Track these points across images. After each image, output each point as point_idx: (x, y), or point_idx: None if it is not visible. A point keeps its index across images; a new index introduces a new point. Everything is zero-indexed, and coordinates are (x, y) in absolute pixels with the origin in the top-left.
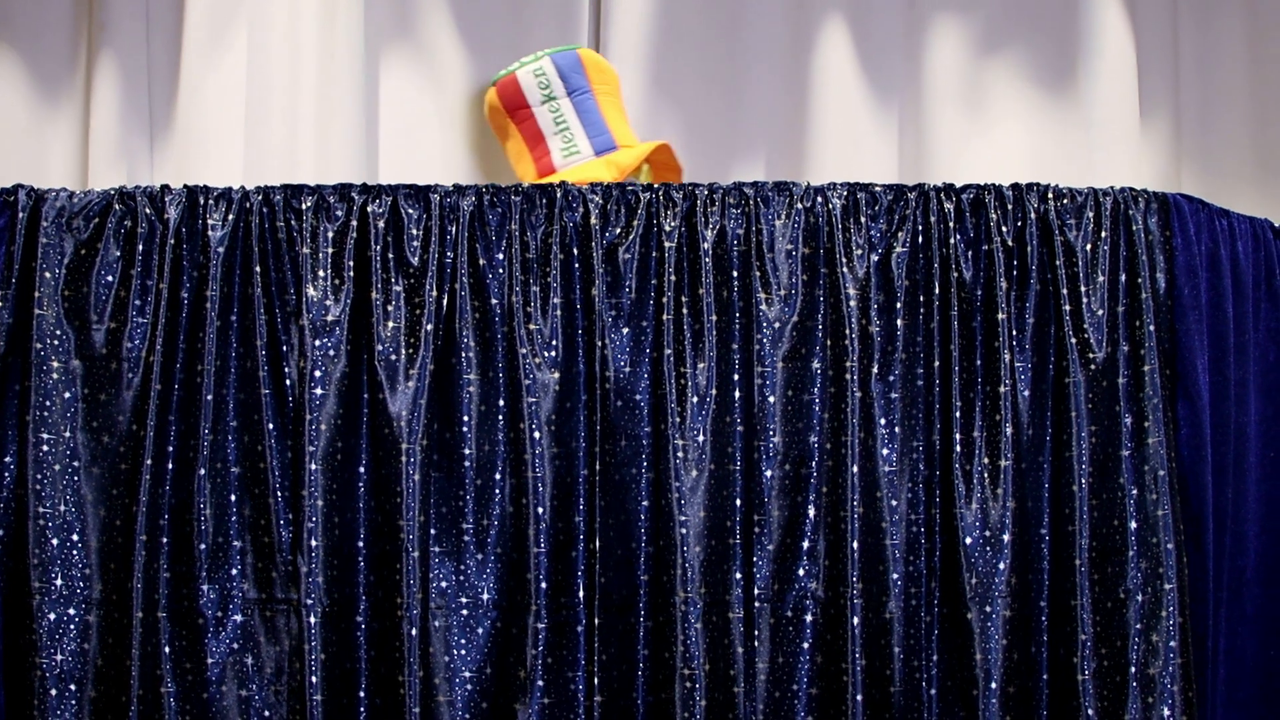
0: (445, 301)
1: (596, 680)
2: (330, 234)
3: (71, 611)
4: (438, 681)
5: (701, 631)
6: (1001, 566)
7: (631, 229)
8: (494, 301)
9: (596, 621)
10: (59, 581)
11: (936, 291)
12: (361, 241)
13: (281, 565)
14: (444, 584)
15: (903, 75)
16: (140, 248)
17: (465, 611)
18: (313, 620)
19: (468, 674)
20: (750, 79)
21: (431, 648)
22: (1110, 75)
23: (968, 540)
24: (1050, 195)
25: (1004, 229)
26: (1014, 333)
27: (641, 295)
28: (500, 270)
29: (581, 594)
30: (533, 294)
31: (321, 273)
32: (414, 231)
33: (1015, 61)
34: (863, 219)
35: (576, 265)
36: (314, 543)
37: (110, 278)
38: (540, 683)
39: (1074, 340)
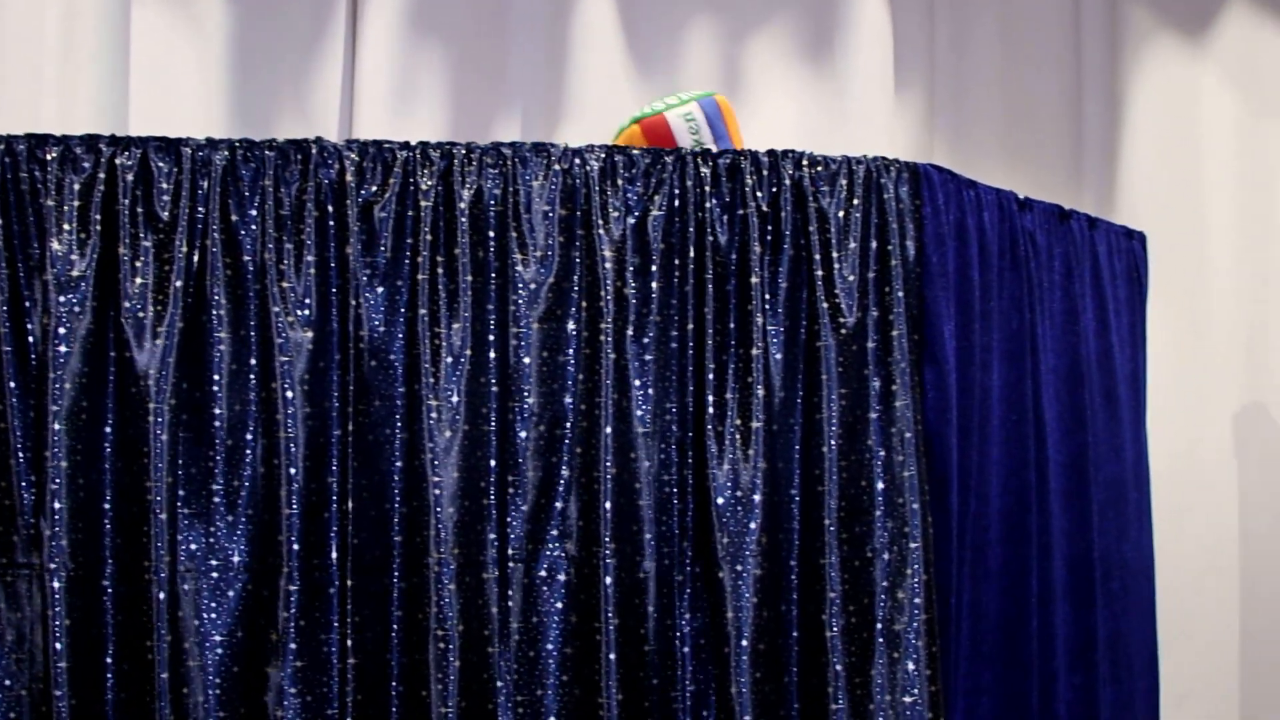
0: (196, 258)
1: (350, 642)
2: (76, 186)
3: None
4: (188, 646)
5: (455, 592)
6: (753, 526)
7: (388, 187)
8: (246, 258)
9: (349, 583)
10: None
11: (691, 255)
12: (109, 195)
13: (23, 529)
14: (193, 546)
15: (665, 42)
16: None
17: (215, 574)
18: (56, 585)
19: (218, 638)
20: (511, 41)
21: (181, 611)
22: (866, 50)
23: (719, 500)
24: (805, 162)
25: (759, 194)
26: (767, 297)
27: (397, 254)
28: (253, 226)
29: (334, 555)
30: (286, 251)
31: (67, 226)
32: (164, 185)
33: (775, 34)
34: (620, 182)
35: (331, 223)
36: (57, 505)
37: None
38: (293, 645)
39: (825, 305)
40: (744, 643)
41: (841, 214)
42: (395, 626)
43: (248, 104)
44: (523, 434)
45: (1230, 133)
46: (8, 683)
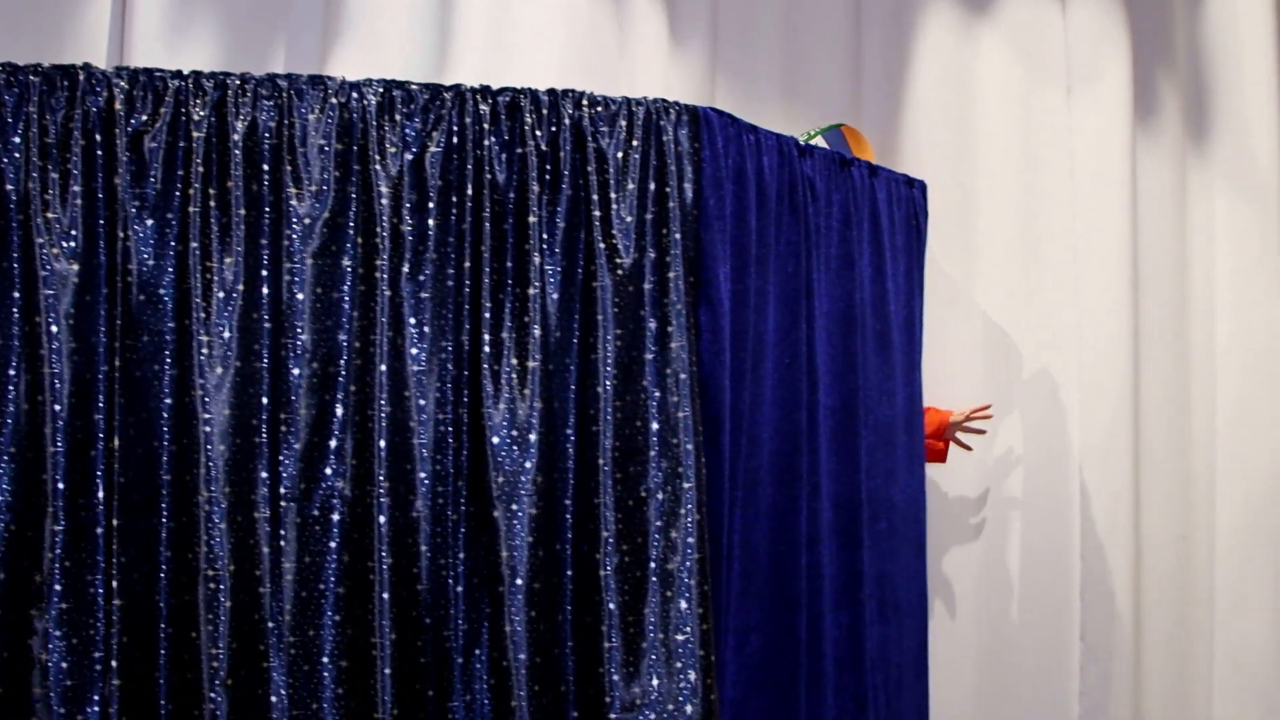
0: None
1: (116, 584)
2: None
3: None
4: None
5: (226, 532)
6: (528, 465)
7: (158, 117)
8: (9, 188)
9: (116, 523)
10: None
11: (469, 193)
12: None
13: None
14: None
15: None
16: None
17: None
18: None
19: None
20: None
21: None
22: None
23: (495, 440)
24: (585, 102)
25: (538, 133)
26: (544, 236)
27: (167, 186)
28: (16, 155)
29: (101, 495)
30: (51, 181)
31: None
32: None
33: None
34: (398, 117)
35: (99, 153)
36: None
37: None
38: (58, 587)
39: (603, 245)
40: (518, 581)
41: (620, 155)
42: (164, 567)
43: (11, 27)
44: (296, 371)
45: (1004, 91)
46: None
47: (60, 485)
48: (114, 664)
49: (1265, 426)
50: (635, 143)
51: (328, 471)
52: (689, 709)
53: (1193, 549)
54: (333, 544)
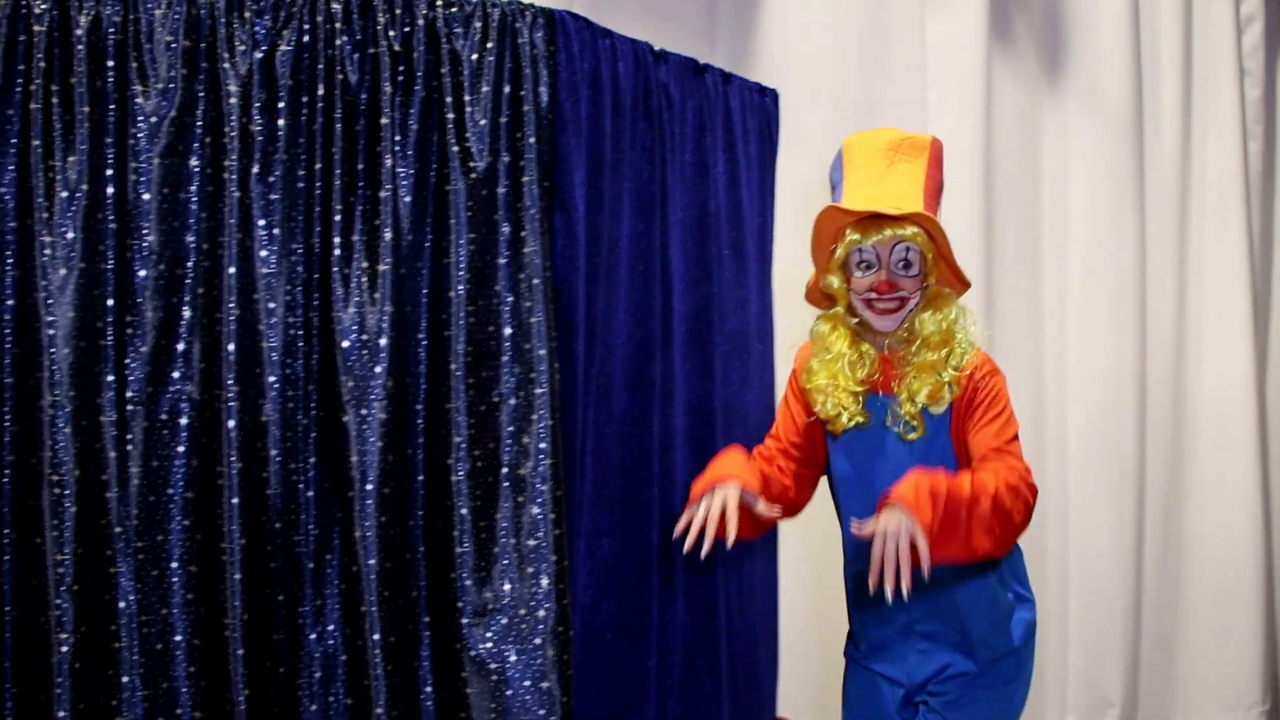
0: None
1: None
2: None
3: None
4: None
5: (71, 436)
6: (379, 370)
7: None
8: None
9: None
10: None
11: (321, 93)
12: None
13: None
14: None
15: None
16: None
17: None
18: None
19: None
20: None
21: None
22: None
23: (345, 344)
24: (439, 3)
25: (391, 34)
26: (397, 138)
27: (7, 82)
28: None
29: None
30: None
31: None
32: None
33: None
34: (247, 14)
35: None
36: None
37: None
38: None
39: (456, 149)
40: (369, 486)
41: (475, 57)
42: (7, 471)
43: None
44: (142, 273)
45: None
46: None
47: None
48: None
49: (1108, 336)
50: (490, 45)
51: (175, 375)
52: (541, 613)
53: (1044, 453)
54: (181, 448)
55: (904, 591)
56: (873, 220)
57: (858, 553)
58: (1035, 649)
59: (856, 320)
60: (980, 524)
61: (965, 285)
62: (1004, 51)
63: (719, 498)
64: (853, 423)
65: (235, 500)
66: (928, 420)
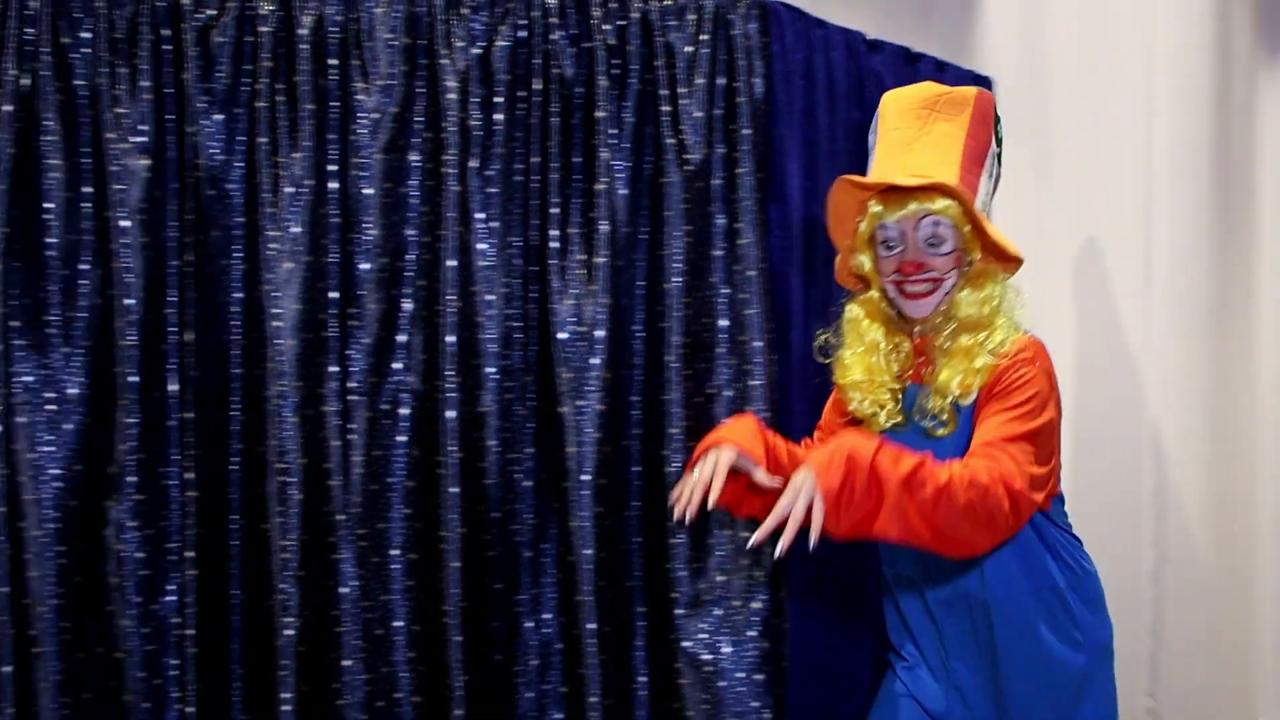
0: (26, 82)
1: (190, 475)
2: None
3: None
4: (23, 479)
5: (296, 425)
6: (595, 362)
7: (225, 11)
8: (79, 83)
9: (189, 416)
10: None
11: (537, 87)
12: None
13: None
14: (29, 379)
15: None
16: None
17: (52, 407)
18: None
19: (55, 471)
20: None
21: (16, 445)
22: None
23: (562, 335)
24: None
25: (606, 28)
26: (612, 131)
27: (235, 81)
28: (86, 51)
29: (173, 388)
30: (120, 76)
31: None
32: None
33: None
34: (465, 11)
35: (167, 47)
36: None
37: None
38: (132, 479)
39: (671, 141)
40: (585, 477)
41: (689, 49)
42: (235, 460)
43: None
44: (364, 266)
45: None
46: None
47: (133, 378)
48: (188, 554)
49: None
50: (704, 37)
51: (396, 366)
52: (755, 604)
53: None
54: (401, 438)
55: (778, 549)
56: (896, 192)
57: (892, 556)
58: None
59: (892, 305)
60: (916, 509)
61: (1015, 261)
62: (1231, 37)
63: (710, 461)
64: (890, 422)
65: (454, 489)
66: (959, 414)
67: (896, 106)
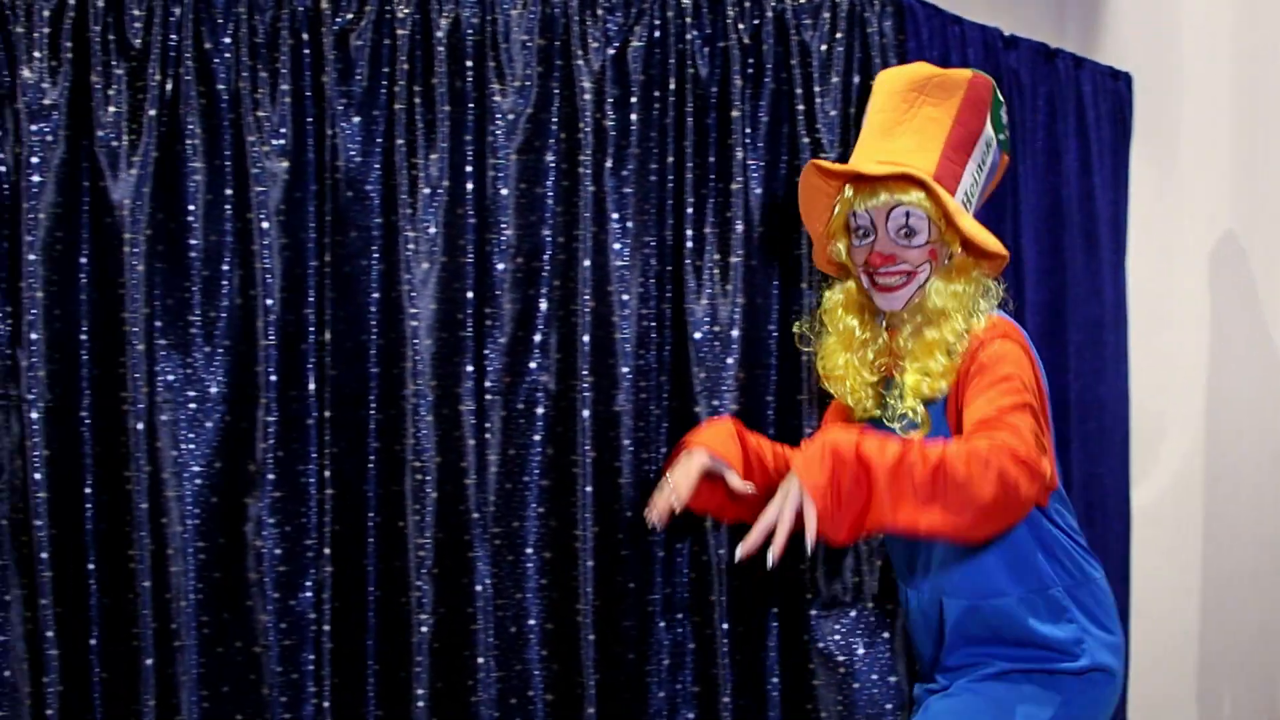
0: (169, 86)
1: (328, 473)
2: (46, 13)
3: None
4: (166, 476)
5: (433, 424)
6: (730, 362)
7: (363, 15)
8: (220, 87)
9: (327, 414)
10: None
11: (672, 87)
12: (80, 21)
13: None
14: (170, 377)
15: None
16: None
17: (193, 405)
18: (34, 416)
19: (196, 468)
20: None
21: (159, 442)
22: None
23: (697, 335)
24: None
25: (740, 26)
26: (747, 130)
27: (373, 84)
28: (227, 55)
29: (312, 387)
30: (261, 80)
31: (37, 54)
32: (136, 12)
33: None
34: (599, 12)
35: (306, 51)
36: (34, 336)
37: None
38: (271, 477)
39: (807, 140)
40: None
41: (824, 48)
42: (372, 458)
43: None
44: (500, 266)
45: None
46: None
47: (273, 377)
48: (326, 551)
49: None
50: (839, 35)
51: (532, 366)
52: (889, 606)
53: None
54: (537, 437)
55: (769, 560)
56: (868, 180)
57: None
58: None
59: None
60: (914, 492)
61: (998, 256)
62: None
63: (680, 466)
64: (867, 416)
65: (589, 489)
66: (932, 413)
67: (886, 88)
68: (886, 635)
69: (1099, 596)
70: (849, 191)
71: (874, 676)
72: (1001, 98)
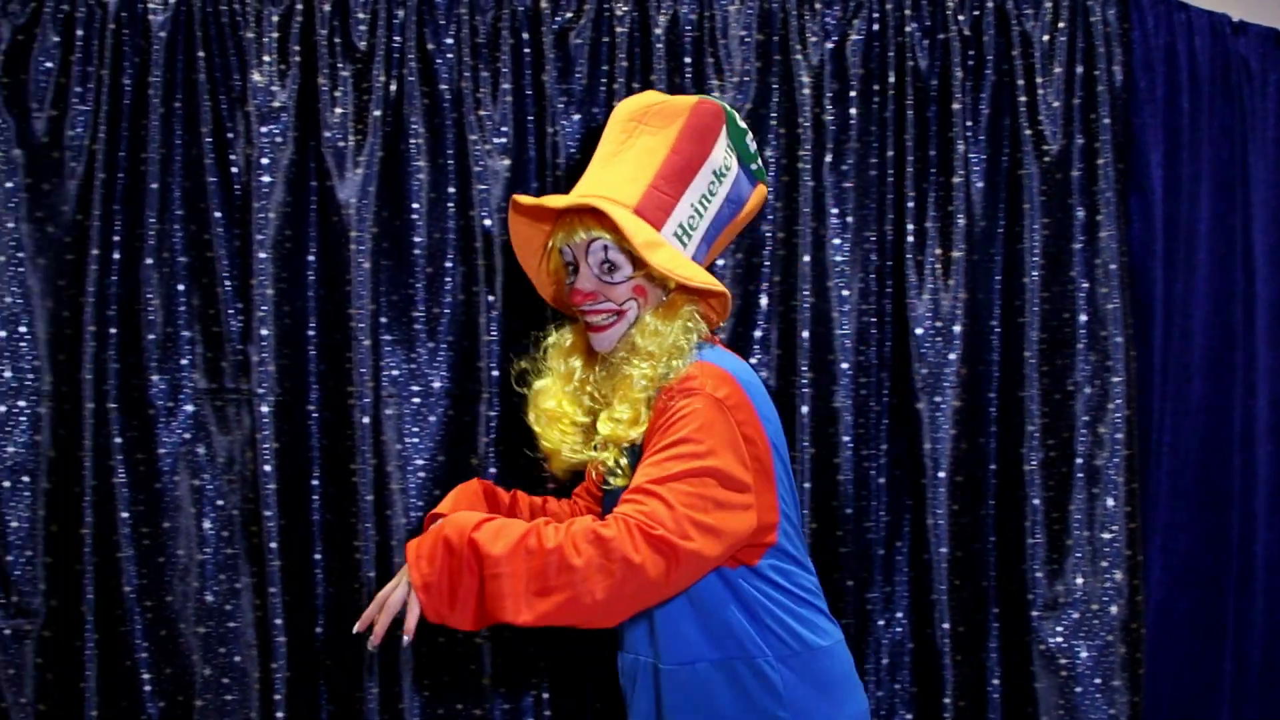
0: (394, 87)
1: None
2: (275, 18)
3: (22, 403)
4: (390, 469)
5: None
6: (952, 357)
7: (582, 14)
8: (443, 87)
9: None
10: (8, 374)
11: (891, 81)
12: (307, 26)
13: (231, 355)
14: (395, 372)
15: None
16: (80, 33)
17: (417, 400)
18: (264, 410)
19: (420, 461)
20: None
21: (384, 436)
22: None
23: (918, 331)
24: None
25: (960, 18)
26: (968, 123)
27: (592, 81)
28: (449, 55)
29: None
30: (482, 80)
31: (267, 58)
32: (361, 16)
33: None
34: (818, 6)
35: (527, 50)
36: (264, 332)
37: (50, 64)
38: (493, 470)
39: (1029, 132)
40: (941, 474)
41: (1046, 38)
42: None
43: None
44: (720, 262)
45: None
46: (220, 503)
47: (495, 372)
48: None
49: None
50: (1061, 25)
51: (752, 361)
52: (1113, 609)
53: None
54: None
55: (369, 643)
56: (571, 214)
57: None
58: None
59: None
60: (526, 581)
61: (716, 293)
62: None
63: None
64: (572, 460)
65: (808, 485)
66: (632, 464)
67: (615, 116)
68: (1110, 638)
69: (818, 669)
70: (557, 229)
71: (1096, 680)
72: (743, 125)
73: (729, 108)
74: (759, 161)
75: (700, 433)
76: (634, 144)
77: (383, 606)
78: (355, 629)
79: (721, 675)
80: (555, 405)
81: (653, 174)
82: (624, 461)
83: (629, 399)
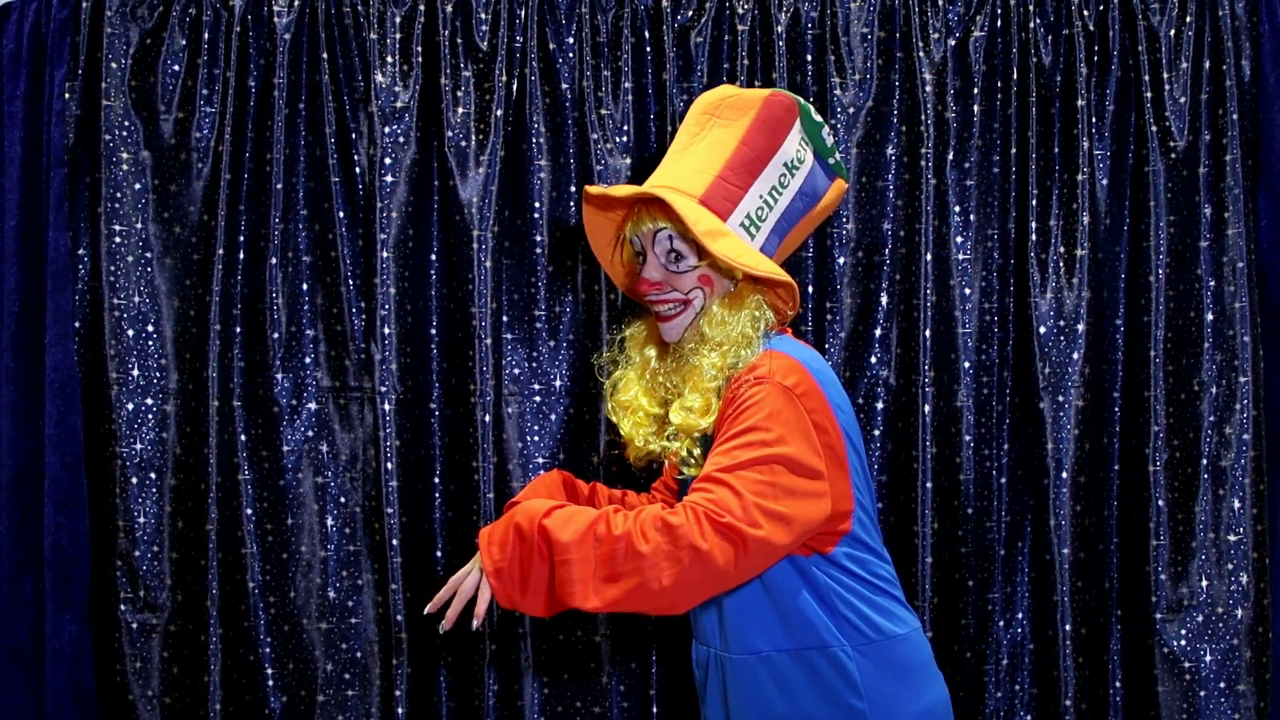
0: (515, 87)
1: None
2: (398, 19)
3: (149, 401)
4: (511, 467)
5: None
6: (1075, 356)
7: (703, 12)
8: (564, 86)
9: None
10: (135, 372)
11: (1014, 77)
12: (429, 26)
13: (354, 353)
14: (516, 371)
15: None
16: (206, 36)
17: (538, 398)
18: (387, 407)
19: (541, 460)
20: None
21: (505, 434)
22: None
23: (1041, 329)
24: None
25: (1085, 13)
26: (1093, 120)
27: (713, 80)
28: (570, 55)
29: None
30: (603, 79)
31: (390, 59)
32: (482, 15)
33: None
34: (940, 2)
35: (648, 49)
36: (387, 330)
37: (177, 67)
38: (614, 469)
39: (1154, 128)
40: (1064, 474)
41: (1172, 33)
42: None
43: None
44: (841, 260)
45: None
46: (342, 500)
47: None
48: None
49: None
50: (1188, 19)
51: (872, 360)
52: (1239, 612)
53: None
54: (876, 432)
55: (440, 628)
56: (643, 203)
57: None
58: None
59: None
60: (596, 568)
61: (774, 284)
62: None
63: (462, 580)
64: (646, 449)
65: (929, 484)
66: (704, 452)
67: (691, 111)
68: (1235, 642)
69: (895, 657)
70: (630, 219)
71: (1221, 684)
72: (819, 119)
73: (803, 101)
74: (836, 156)
75: (769, 420)
76: (706, 136)
77: (456, 591)
78: (426, 610)
79: (796, 664)
80: (630, 396)
81: (721, 165)
82: (696, 451)
83: (699, 388)
